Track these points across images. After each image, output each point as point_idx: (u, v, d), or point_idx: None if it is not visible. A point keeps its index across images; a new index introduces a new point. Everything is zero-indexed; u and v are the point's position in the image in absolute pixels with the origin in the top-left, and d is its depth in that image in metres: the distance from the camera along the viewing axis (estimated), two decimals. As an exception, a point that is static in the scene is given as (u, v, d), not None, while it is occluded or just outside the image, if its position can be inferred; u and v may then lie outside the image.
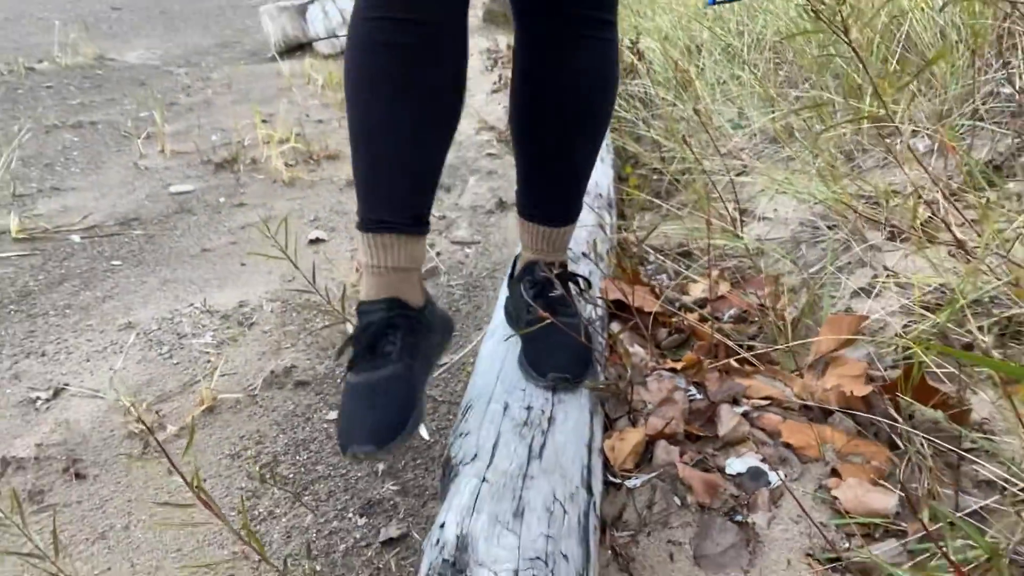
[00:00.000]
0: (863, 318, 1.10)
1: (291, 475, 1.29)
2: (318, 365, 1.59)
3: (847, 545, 0.88)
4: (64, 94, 4.42)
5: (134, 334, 1.74)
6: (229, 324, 1.77)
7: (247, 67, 5.11)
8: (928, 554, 0.83)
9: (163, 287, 2.00)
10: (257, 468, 1.31)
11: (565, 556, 0.78)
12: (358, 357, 0.89)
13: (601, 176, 1.83)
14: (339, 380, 1.54)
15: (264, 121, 3.31)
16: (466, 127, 3.26)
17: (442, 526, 0.82)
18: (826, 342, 1.10)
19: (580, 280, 1.15)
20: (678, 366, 1.17)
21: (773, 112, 1.78)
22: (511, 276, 1.22)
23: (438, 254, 2.04)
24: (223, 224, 2.45)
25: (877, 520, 0.90)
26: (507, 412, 0.97)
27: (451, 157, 2.92)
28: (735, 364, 1.17)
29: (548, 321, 1.01)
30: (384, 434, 0.83)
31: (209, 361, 1.62)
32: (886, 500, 0.91)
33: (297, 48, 5.29)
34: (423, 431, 1.37)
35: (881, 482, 0.95)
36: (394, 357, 0.88)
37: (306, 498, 1.23)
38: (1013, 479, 0.86)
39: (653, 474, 0.99)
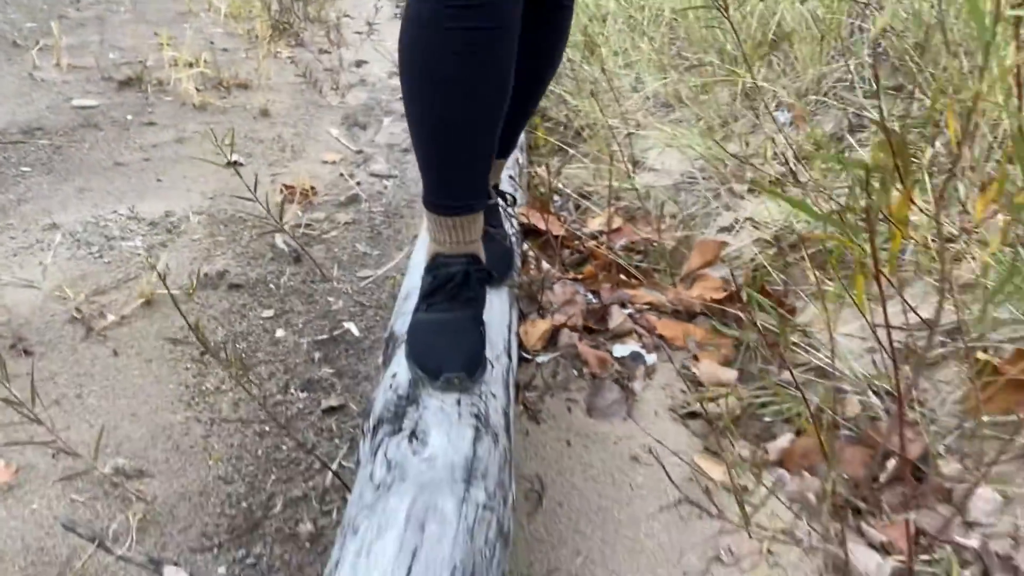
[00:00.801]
0: (723, 244, 1.40)
1: (233, 358, 1.46)
2: (250, 272, 1.74)
3: (698, 404, 1.18)
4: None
5: (59, 234, 1.80)
6: (157, 231, 1.87)
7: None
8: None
9: (80, 194, 2.05)
10: (199, 352, 1.46)
11: (494, 395, 1.02)
12: (438, 298, 0.99)
13: (514, 122, 2.06)
14: (270, 284, 1.70)
15: (166, 44, 3.28)
16: (378, 70, 3.38)
17: (394, 375, 1.04)
18: (695, 262, 1.40)
19: (508, 196, 1.27)
20: (579, 277, 1.43)
21: (665, 79, 2.07)
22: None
23: (358, 183, 2.21)
24: (133, 141, 2.48)
25: (722, 388, 1.20)
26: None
27: (365, 98, 3.06)
28: (624, 278, 1.45)
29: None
30: (473, 364, 0.93)
31: (141, 262, 1.72)
32: (729, 374, 1.22)
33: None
34: (353, 328, 1.57)
35: (727, 364, 1.25)
36: (474, 303, 1.00)
37: (250, 376, 1.40)
38: (819, 359, 1.18)
39: (557, 353, 1.25)
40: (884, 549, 0.92)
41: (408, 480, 0.82)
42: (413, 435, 0.89)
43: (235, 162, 2.38)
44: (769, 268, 1.37)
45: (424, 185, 0.98)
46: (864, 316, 0.84)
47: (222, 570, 1.04)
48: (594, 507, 1.03)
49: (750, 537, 0.94)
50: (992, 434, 0.99)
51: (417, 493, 0.80)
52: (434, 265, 1.02)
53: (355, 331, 1.56)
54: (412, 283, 1.29)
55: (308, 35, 3.89)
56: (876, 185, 0.61)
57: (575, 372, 1.23)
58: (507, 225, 1.41)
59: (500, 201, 1.32)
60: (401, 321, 1.20)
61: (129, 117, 2.67)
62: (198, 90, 2.92)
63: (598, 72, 2.09)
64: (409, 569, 0.72)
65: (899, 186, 0.64)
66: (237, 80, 3.09)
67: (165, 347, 1.47)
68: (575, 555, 0.97)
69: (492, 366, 1.03)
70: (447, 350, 0.93)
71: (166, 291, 1.61)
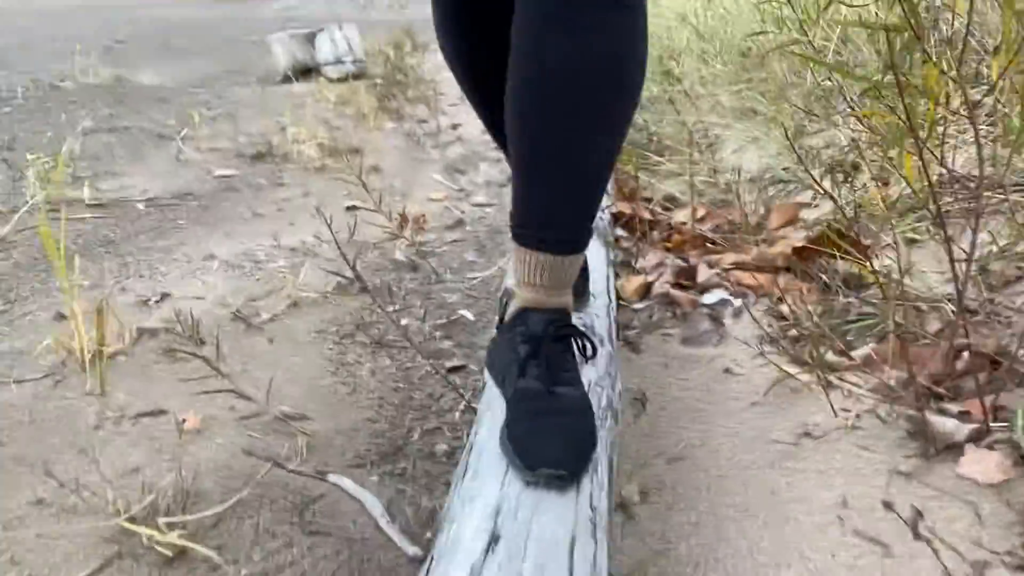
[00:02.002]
0: (800, 205, 1.55)
1: (367, 342, 1.70)
2: (375, 279, 2.01)
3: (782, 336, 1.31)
4: (91, 107, 4.83)
5: (216, 262, 2.14)
6: (296, 255, 2.18)
7: (259, 88, 5.58)
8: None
9: (228, 236, 2.41)
10: (339, 338, 1.71)
11: (597, 315, 1.20)
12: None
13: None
14: (393, 288, 1.95)
15: (290, 125, 3.75)
16: (472, 130, 3.73)
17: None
18: (774, 223, 1.55)
19: (588, 342, 0.98)
20: (668, 246, 1.61)
21: (739, 89, 2.27)
22: (500, 319, 1.03)
23: (463, 212, 2.48)
24: (267, 197, 2.87)
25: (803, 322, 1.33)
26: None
27: (462, 151, 3.40)
28: (709, 246, 1.62)
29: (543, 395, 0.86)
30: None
31: (285, 277, 2.02)
32: (813, 308, 1.35)
33: (305, 73, 5.78)
34: (468, 313, 1.79)
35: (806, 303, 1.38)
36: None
37: (383, 349, 1.64)
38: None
39: (651, 301, 1.42)
40: (960, 419, 1.02)
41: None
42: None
43: (354, 206, 2.72)
44: (843, 223, 1.51)
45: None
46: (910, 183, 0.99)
47: (374, 479, 1.24)
48: (692, 409, 1.18)
49: (835, 415, 1.07)
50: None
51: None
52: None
53: (469, 316, 1.78)
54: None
55: (408, 110, 4.34)
56: (897, 48, 0.78)
57: (669, 315, 1.39)
58: (588, 376, 1.04)
59: (576, 347, 0.99)
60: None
61: (262, 181, 3.09)
62: (317, 157, 3.34)
63: (676, 90, 2.32)
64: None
65: (922, 51, 0.81)
66: (350, 147, 3.50)
67: (311, 334, 1.73)
68: (677, 443, 1.11)
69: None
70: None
71: (308, 294, 1.90)
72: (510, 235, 0.95)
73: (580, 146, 0.86)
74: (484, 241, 2.24)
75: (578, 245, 0.93)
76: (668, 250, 1.61)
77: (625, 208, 1.74)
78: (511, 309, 0.97)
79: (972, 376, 1.08)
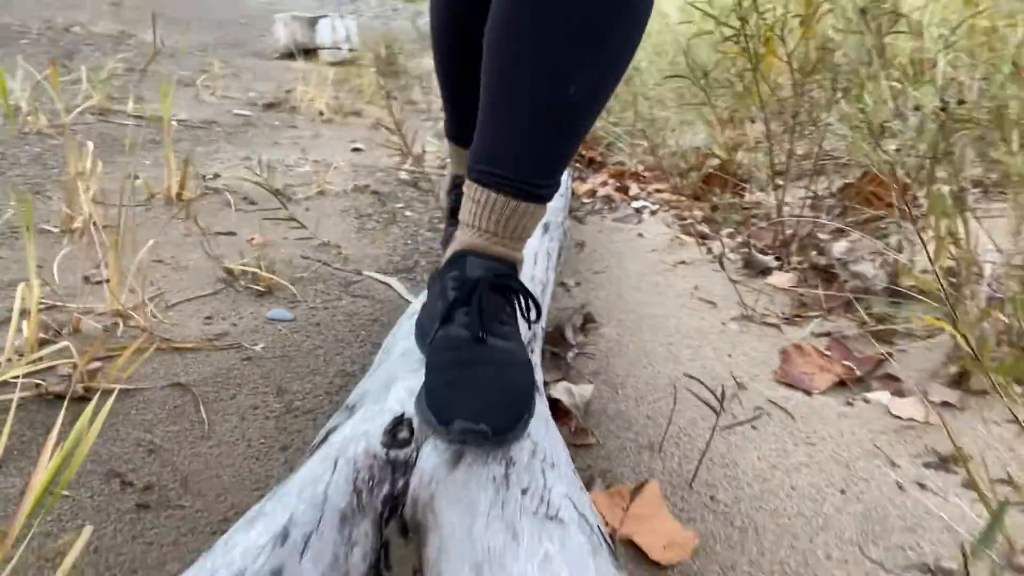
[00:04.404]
0: (707, 156, 2.24)
1: (380, 221, 2.30)
2: (384, 188, 2.61)
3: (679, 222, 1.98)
4: (104, 51, 5.33)
5: (253, 162, 2.72)
6: (320, 166, 2.77)
7: (259, 60, 6.15)
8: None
9: (255, 152, 2.98)
10: (359, 216, 2.31)
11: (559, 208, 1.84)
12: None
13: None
14: (398, 194, 2.56)
15: (299, 85, 4.34)
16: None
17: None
18: (688, 165, 2.23)
19: (533, 304, 0.85)
20: (611, 173, 2.28)
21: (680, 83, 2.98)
22: (433, 273, 0.92)
23: (452, 159, 3.11)
24: (283, 135, 3.45)
25: (695, 222, 2.00)
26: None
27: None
28: (642, 177, 2.29)
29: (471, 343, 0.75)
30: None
31: (312, 175, 2.61)
32: (700, 214, 2.02)
33: (302, 54, 6.37)
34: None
35: (699, 210, 2.05)
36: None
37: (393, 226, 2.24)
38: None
39: (595, 199, 2.07)
40: (773, 259, 1.70)
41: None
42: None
43: (357, 148, 3.33)
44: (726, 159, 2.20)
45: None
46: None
47: (395, 280, 1.83)
48: (614, 252, 1.83)
49: (701, 254, 1.73)
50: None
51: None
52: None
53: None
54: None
55: (401, 95, 4.98)
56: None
57: (606, 207, 2.05)
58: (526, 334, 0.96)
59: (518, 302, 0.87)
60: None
61: (276, 123, 3.67)
62: (322, 113, 3.93)
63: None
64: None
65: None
66: (352, 109, 4.11)
67: (338, 212, 2.33)
68: (603, 266, 1.76)
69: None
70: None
71: (333, 187, 2.50)
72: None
73: (568, 74, 0.73)
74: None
75: (541, 194, 0.81)
76: (611, 176, 2.27)
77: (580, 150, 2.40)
78: (448, 251, 0.86)
79: (783, 244, 1.76)
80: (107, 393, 1.11)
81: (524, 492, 0.67)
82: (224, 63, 5.71)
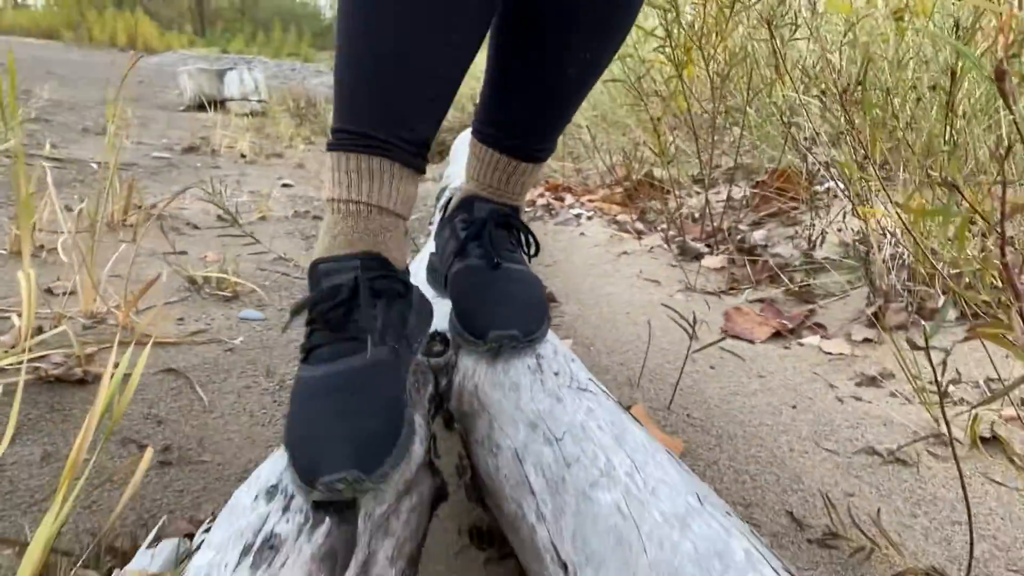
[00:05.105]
0: (625, 172, 2.46)
1: (327, 239, 2.38)
2: (323, 214, 2.69)
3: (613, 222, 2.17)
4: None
5: (188, 195, 2.75)
6: (255, 196, 2.83)
7: (165, 112, 6.11)
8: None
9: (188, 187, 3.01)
10: (304, 237, 2.38)
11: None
12: (316, 339, 0.66)
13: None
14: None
15: (217, 128, 4.37)
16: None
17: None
18: (617, 176, 2.43)
19: (532, 239, 0.94)
20: (545, 187, 2.46)
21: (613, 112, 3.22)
22: (442, 220, 0.98)
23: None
24: (207, 174, 3.48)
25: (625, 228, 2.19)
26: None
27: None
28: (576, 189, 2.48)
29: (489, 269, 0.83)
30: (371, 452, 0.56)
31: (253, 204, 2.67)
32: (626, 216, 2.22)
33: (208, 106, 6.37)
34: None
35: (625, 210, 2.25)
36: (375, 338, 0.65)
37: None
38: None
39: (536, 208, 2.24)
40: (705, 247, 1.90)
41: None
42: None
43: (287, 184, 3.39)
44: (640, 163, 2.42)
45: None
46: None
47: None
48: (560, 248, 1.99)
49: (640, 246, 1.91)
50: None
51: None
52: (312, 278, 0.71)
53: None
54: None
55: (318, 140, 5.06)
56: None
57: (547, 214, 2.21)
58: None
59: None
60: (447, 173, 2.18)
61: (199, 164, 3.69)
62: (244, 155, 3.98)
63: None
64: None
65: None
66: (274, 152, 4.17)
67: (281, 234, 2.40)
68: (552, 260, 1.91)
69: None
70: (326, 436, 0.58)
71: (274, 213, 2.56)
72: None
73: (569, 61, 0.83)
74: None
75: (539, 156, 0.90)
76: (546, 189, 2.45)
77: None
78: (454, 200, 0.95)
79: (710, 235, 1.97)
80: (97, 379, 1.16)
81: (556, 374, 0.79)
82: (128, 114, 5.65)
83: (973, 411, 1.04)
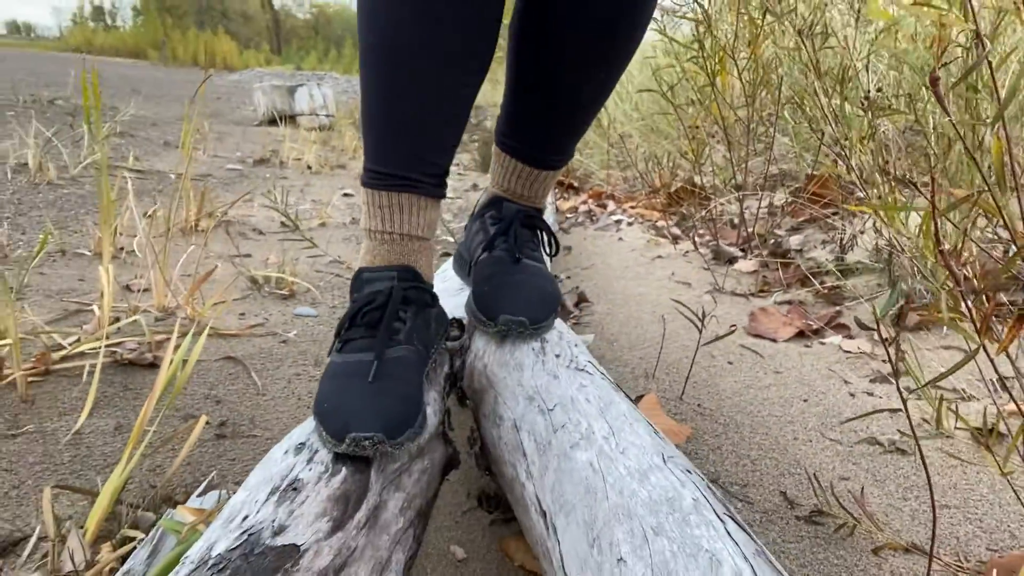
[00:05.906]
0: (673, 175, 2.52)
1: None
2: (380, 220, 2.84)
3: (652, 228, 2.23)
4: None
5: (255, 204, 2.94)
6: (317, 204, 3.00)
7: (239, 127, 6.43)
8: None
9: (256, 197, 3.21)
10: (357, 240, 2.52)
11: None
12: (354, 333, 0.77)
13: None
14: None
15: (285, 142, 4.60)
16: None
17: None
18: (657, 184, 2.50)
19: (553, 240, 1.03)
20: (588, 194, 2.54)
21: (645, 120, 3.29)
22: (472, 215, 1.10)
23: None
24: (275, 185, 3.68)
25: (661, 235, 2.26)
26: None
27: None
28: (616, 196, 2.55)
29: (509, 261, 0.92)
30: (395, 423, 0.66)
31: (313, 210, 2.83)
32: (668, 223, 2.28)
33: (280, 120, 6.67)
34: (449, 237, 2.63)
35: (662, 214, 2.31)
36: (402, 337, 0.77)
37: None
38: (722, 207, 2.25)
39: (578, 214, 2.32)
40: (739, 250, 1.95)
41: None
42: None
43: (348, 193, 3.57)
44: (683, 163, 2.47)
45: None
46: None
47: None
48: (598, 252, 2.06)
49: (675, 249, 1.97)
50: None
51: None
52: (354, 286, 0.84)
53: (449, 239, 2.63)
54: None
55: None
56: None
57: (588, 220, 2.29)
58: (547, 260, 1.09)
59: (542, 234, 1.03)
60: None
61: (267, 175, 3.90)
62: (310, 167, 4.19)
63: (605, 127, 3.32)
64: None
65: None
66: (338, 163, 4.37)
67: (340, 239, 2.54)
68: (589, 263, 1.99)
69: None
70: (357, 402, 0.68)
71: (334, 219, 2.72)
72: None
73: (584, 80, 0.90)
74: (455, 212, 3.12)
75: (556, 165, 1.00)
76: (590, 197, 2.53)
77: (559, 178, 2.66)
78: (483, 198, 1.06)
79: (746, 240, 2.01)
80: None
81: (558, 356, 0.88)
82: (208, 129, 5.98)
83: (940, 396, 1.07)
